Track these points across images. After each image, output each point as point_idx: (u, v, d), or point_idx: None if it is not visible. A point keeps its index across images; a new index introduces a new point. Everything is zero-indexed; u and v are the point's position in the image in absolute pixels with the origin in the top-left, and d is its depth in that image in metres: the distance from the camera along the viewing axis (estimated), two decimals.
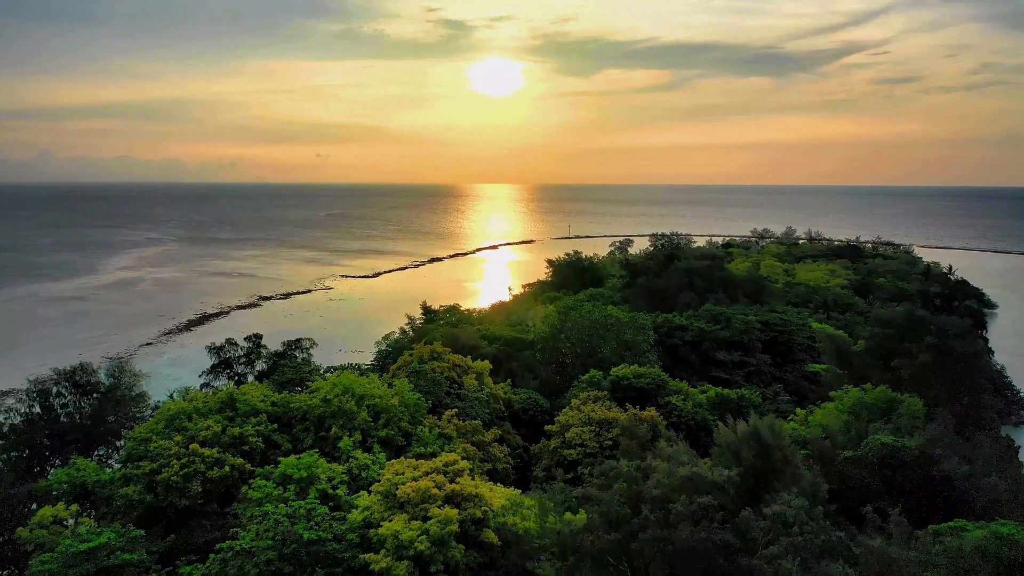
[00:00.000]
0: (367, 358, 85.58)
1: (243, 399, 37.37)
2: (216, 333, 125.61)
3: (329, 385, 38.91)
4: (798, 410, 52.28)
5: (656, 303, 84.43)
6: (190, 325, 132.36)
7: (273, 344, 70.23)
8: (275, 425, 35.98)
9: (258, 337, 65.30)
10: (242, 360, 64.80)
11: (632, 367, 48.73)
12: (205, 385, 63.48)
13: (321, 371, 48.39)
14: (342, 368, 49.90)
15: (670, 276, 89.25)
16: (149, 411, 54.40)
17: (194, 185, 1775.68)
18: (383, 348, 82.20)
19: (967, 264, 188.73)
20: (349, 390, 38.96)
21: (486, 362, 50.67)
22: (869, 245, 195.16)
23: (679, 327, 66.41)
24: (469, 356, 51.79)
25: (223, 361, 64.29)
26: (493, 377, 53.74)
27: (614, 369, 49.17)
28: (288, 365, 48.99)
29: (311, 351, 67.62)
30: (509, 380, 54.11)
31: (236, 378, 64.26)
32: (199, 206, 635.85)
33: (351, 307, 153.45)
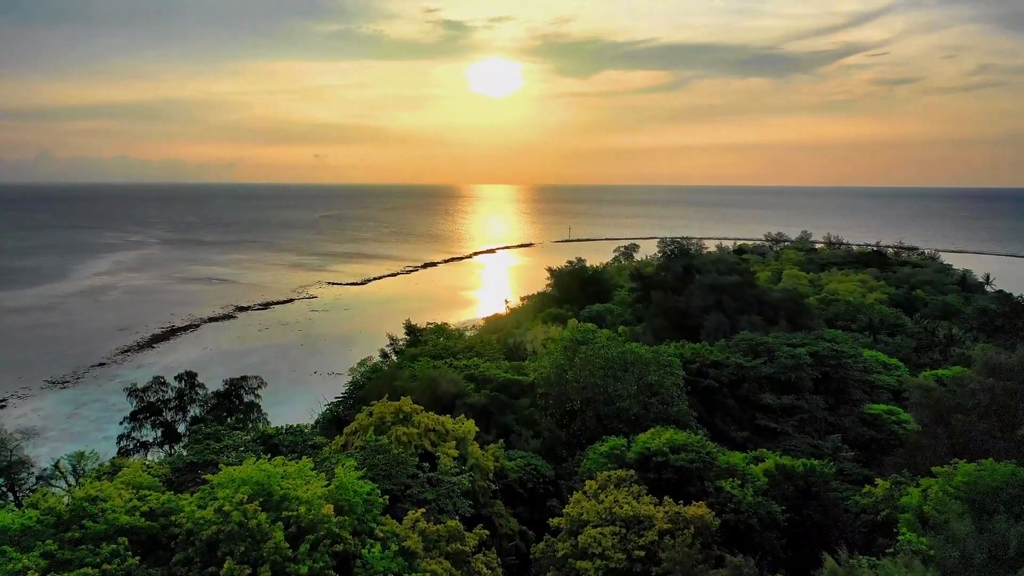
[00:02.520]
0: (342, 382, 74.18)
1: (99, 508, 24.85)
2: (180, 350, 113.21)
3: (236, 483, 26.29)
4: (879, 481, 39.74)
5: (676, 326, 71.86)
6: (153, 341, 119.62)
7: (230, 371, 58.58)
8: (136, 560, 23.37)
9: (191, 376, 52.93)
10: (172, 404, 52.43)
11: (667, 434, 36.13)
12: (124, 436, 51.22)
13: (248, 437, 35.80)
14: (281, 432, 37.36)
15: (692, 293, 76.51)
16: (34, 480, 42.07)
17: (192, 185, 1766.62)
18: (357, 377, 70.41)
19: (992, 270, 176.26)
20: (263, 491, 26.40)
21: (470, 423, 38.16)
22: (891, 250, 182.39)
23: (713, 363, 53.91)
24: (449, 415, 39.28)
25: (148, 406, 51.93)
26: (482, 435, 41.48)
27: (642, 437, 36.60)
28: (200, 434, 36.31)
29: (259, 391, 55.55)
30: (502, 440, 41.78)
31: (164, 427, 51.93)
32: (193, 207, 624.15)
33: (334, 319, 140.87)
